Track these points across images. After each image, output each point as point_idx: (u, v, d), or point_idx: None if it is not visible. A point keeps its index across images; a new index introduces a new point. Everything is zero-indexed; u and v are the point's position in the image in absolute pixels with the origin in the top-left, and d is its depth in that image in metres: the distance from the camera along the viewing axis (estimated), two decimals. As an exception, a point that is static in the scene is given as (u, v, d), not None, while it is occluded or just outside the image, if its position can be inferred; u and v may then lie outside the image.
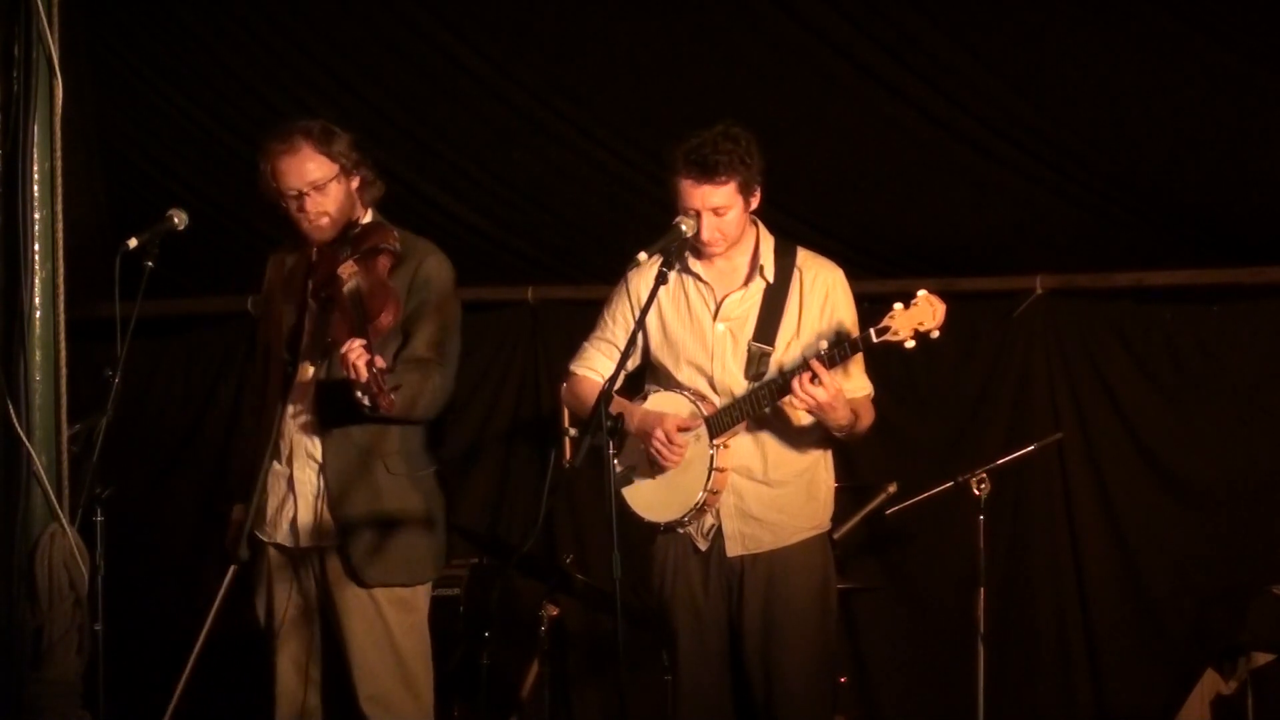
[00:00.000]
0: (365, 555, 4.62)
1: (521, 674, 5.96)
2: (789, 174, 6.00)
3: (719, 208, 4.52)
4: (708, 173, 4.49)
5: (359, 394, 4.39)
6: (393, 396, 4.37)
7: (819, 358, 4.40)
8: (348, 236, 4.70)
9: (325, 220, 4.66)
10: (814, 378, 4.37)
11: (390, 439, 4.65)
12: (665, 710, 4.72)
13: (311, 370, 4.68)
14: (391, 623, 4.64)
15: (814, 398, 4.40)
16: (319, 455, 4.67)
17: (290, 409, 4.71)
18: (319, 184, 4.63)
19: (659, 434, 4.59)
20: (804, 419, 4.58)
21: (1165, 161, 5.88)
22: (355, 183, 4.70)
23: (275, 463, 4.72)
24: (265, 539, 4.76)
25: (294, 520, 4.70)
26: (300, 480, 4.69)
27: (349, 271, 4.59)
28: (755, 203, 4.61)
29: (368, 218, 4.76)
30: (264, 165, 4.66)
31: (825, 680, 4.73)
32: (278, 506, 4.73)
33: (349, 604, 4.64)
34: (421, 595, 4.75)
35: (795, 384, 4.40)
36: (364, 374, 4.34)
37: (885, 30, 5.55)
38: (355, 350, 4.39)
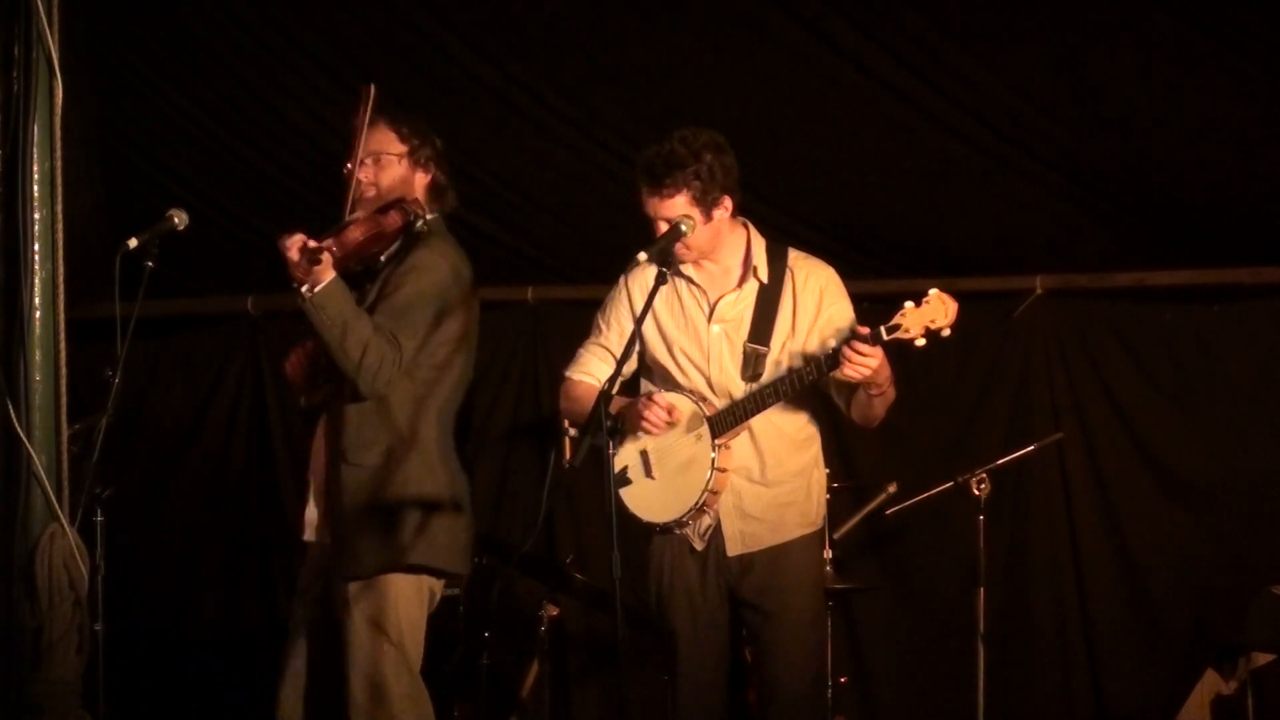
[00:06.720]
0: (335, 549, 4.52)
1: (521, 674, 5.96)
2: (790, 174, 6.02)
3: (670, 220, 4.47)
4: (655, 183, 4.46)
5: (295, 280, 4.31)
6: (331, 242, 4.28)
7: (855, 338, 4.33)
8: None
9: (372, 192, 4.59)
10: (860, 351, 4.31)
11: (346, 427, 4.52)
12: (665, 710, 4.72)
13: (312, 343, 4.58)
14: (359, 618, 4.46)
15: (868, 366, 4.33)
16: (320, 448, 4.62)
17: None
18: (376, 155, 4.58)
19: (645, 398, 4.57)
20: (804, 416, 4.61)
21: (1166, 162, 5.88)
22: (421, 177, 4.62)
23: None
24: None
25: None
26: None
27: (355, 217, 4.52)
28: (725, 211, 4.53)
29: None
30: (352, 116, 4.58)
31: (822, 679, 4.73)
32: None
33: (334, 599, 4.54)
34: (393, 585, 4.48)
35: (848, 349, 4.31)
36: (295, 248, 4.27)
37: (887, 31, 5.55)
38: (292, 236, 4.31)
